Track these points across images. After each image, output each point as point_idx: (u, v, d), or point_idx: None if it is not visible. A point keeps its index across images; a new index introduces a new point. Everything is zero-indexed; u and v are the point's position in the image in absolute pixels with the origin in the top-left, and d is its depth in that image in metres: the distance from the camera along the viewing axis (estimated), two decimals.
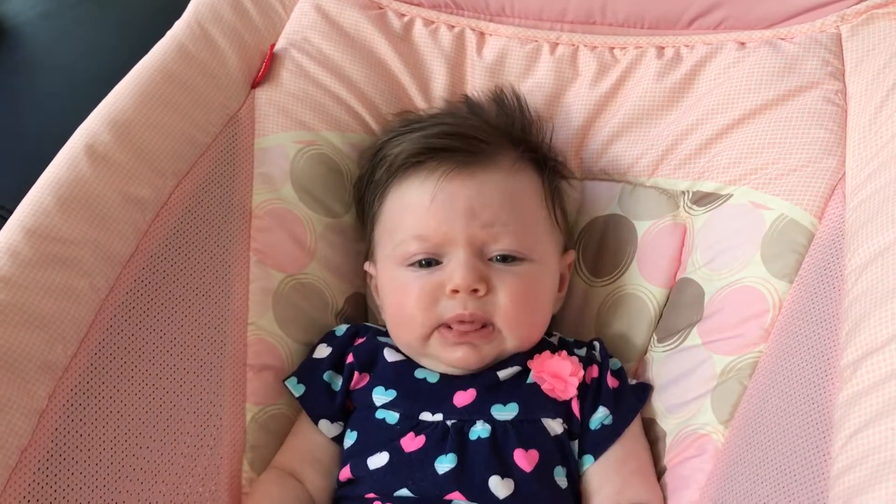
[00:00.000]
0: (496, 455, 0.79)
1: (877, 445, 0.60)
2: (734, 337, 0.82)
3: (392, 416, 0.84)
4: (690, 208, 0.92)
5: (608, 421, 0.83)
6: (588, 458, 0.82)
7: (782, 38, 0.92)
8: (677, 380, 0.86)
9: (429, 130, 0.89)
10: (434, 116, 0.95)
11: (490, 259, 0.84)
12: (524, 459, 0.79)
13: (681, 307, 0.89)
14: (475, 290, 0.82)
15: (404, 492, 0.79)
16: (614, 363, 0.89)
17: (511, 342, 0.85)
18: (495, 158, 0.87)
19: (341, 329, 0.93)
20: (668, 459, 0.83)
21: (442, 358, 0.85)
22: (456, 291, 0.82)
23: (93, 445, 0.73)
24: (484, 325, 0.83)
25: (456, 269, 0.82)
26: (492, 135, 0.89)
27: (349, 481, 0.83)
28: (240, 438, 0.86)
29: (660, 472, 0.83)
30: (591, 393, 0.84)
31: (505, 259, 0.84)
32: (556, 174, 0.95)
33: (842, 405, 0.66)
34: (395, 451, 0.81)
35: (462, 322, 0.82)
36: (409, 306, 0.84)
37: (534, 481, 0.79)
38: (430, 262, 0.84)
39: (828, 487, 0.64)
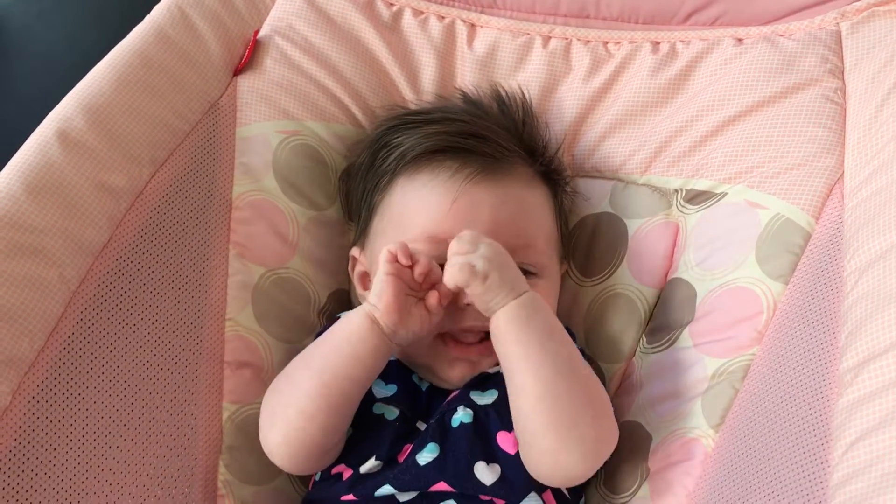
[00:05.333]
0: (479, 439, 0.78)
1: (881, 454, 0.58)
2: (726, 339, 0.81)
3: (391, 412, 0.81)
4: (683, 207, 0.91)
5: None
6: None
7: (781, 35, 0.91)
8: (666, 381, 0.84)
9: (446, 126, 0.86)
10: (440, 110, 0.93)
11: None
12: (508, 441, 0.77)
13: (672, 307, 0.88)
14: None
15: (386, 489, 0.77)
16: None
17: None
18: (514, 169, 0.86)
19: None
20: (653, 462, 0.81)
21: (437, 372, 0.83)
22: (469, 304, 0.78)
23: (60, 445, 0.70)
24: (487, 337, 0.80)
25: None
26: (510, 141, 0.87)
27: (328, 479, 0.81)
28: (216, 439, 0.84)
29: (643, 474, 0.81)
30: None
31: None
32: (565, 192, 0.94)
33: (842, 411, 0.64)
34: (390, 461, 0.78)
35: (470, 332, 0.81)
36: None
37: (519, 465, 0.76)
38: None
39: (827, 497, 0.62)
